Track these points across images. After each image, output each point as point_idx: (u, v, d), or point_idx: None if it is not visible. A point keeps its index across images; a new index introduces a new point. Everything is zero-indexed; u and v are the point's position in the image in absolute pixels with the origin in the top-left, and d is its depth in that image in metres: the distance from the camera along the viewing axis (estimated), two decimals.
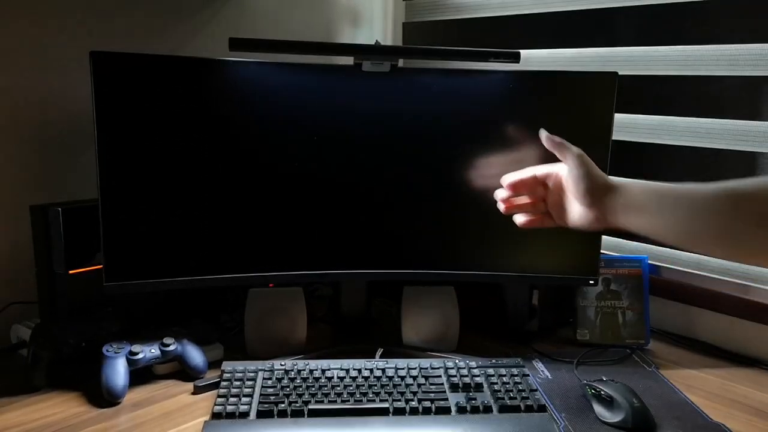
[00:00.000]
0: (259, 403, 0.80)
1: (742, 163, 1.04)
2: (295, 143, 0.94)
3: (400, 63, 0.95)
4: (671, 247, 1.14)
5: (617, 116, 1.09)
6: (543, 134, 0.82)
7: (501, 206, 0.84)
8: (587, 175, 0.77)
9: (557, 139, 0.81)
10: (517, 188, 0.83)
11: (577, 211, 0.79)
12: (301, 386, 0.83)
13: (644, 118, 1.13)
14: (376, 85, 0.95)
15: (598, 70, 1.12)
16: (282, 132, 0.93)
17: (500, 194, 0.84)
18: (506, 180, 0.83)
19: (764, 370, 1.00)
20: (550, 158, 0.82)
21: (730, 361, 1.03)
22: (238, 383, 0.84)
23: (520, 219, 0.84)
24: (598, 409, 0.83)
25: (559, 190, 0.81)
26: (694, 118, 1.08)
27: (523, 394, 0.83)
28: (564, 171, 0.80)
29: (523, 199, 0.84)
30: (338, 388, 0.83)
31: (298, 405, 0.79)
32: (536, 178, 0.82)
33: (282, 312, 1.00)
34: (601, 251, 1.02)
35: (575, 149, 0.79)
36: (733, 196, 0.67)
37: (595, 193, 0.76)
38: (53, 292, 0.95)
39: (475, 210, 0.98)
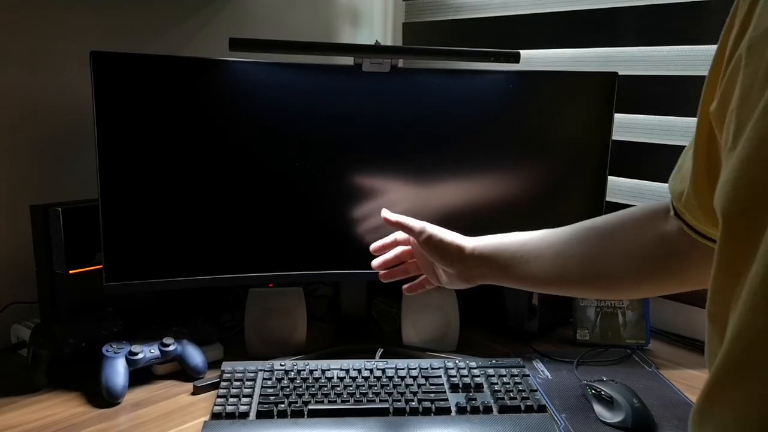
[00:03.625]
0: (259, 403, 0.79)
1: None
2: (295, 143, 0.94)
3: (400, 63, 0.95)
4: None
5: (617, 116, 1.09)
6: (383, 214, 0.82)
7: (380, 274, 0.85)
8: (434, 249, 0.76)
9: (394, 217, 0.80)
10: (381, 252, 0.84)
11: (443, 274, 0.79)
12: (300, 386, 0.83)
13: (644, 118, 1.13)
14: (376, 85, 0.95)
15: (598, 70, 1.12)
16: (282, 132, 0.93)
17: (375, 262, 0.85)
18: (372, 247, 0.84)
19: None
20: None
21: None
22: (237, 383, 0.84)
23: (407, 289, 0.86)
24: (599, 409, 0.83)
25: (421, 254, 0.81)
26: (694, 118, 1.07)
27: (524, 395, 0.83)
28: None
29: (397, 269, 0.85)
30: (338, 389, 0.83)
31: (297, 405, 0.79)
32: (398, 242, 0.83)
33: (282, 312, 1.00)
34: None
35: (417, 225, 0.78)
36: (595, 230, 0.69)
37: (451, 260, 0.76)
38: (53, 292, 0.95)
39: (476, 209, 0.98)
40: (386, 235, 0.86)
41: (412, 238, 0.82)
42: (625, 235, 0.68)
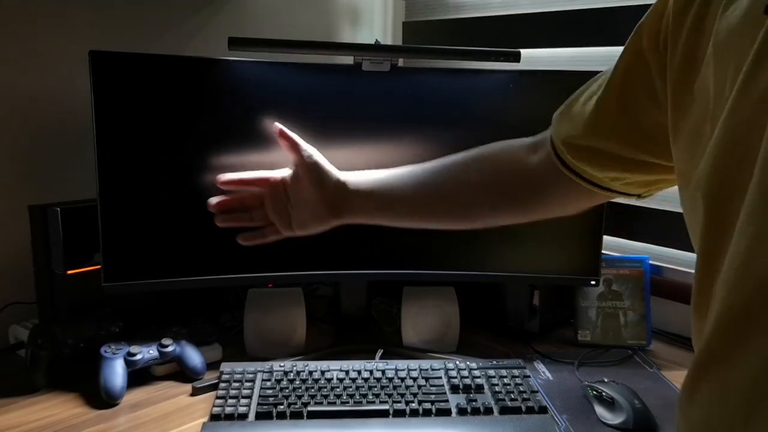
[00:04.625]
0: (258, 404, 0.79)
1: None
2: None
3: (400, 62, 0.95)
4: (670, 246, 1.14)
5: None
6: (277, 127, 0.81)
7: (217, 217, 0.81)
8: (315, 173, 0.77)
9: (293, 137, 0.80)
10: (232, 186, 0.80)
11: (307, 211, 0.78)
12: (300, 387, 0.83)
13: None
14: (376, 85, 0.94)
15: (599, 70, 1.11)
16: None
17: (213, 200, 0.81)
18: (222, 178, 0.80)
19: None
20: None
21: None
22: (236, 384, 0.83)
23: (243, 238, 0.82)
24: (600, 410, 0.83)
25: (280, 195, 0.79)
26: None
27: (524, 396, 0.82)
28: (286, 173, 0.79)
29: (240, 214, 0.81)
30: (338, 390, 0.82)
31: (297, 406, 0.79)
32: (250, 181, 0.80)
33: (282, 312, 0.99)
34: (603, 251, 1.02)
35: (305, 145, 0.79)
36: (454, 164, 0.74)
37: (328, 187, 0.77)
38: (52, 292, 0.95)
39: None
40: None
41: (272, 177, 0.80)
42: (481, 169, 0.74)
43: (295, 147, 0.80)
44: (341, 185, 0.78)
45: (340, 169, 0.80)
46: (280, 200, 0.80)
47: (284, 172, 0.81)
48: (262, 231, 0.82)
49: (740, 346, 0.41)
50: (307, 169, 0.78)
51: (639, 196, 0.67)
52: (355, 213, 0.77)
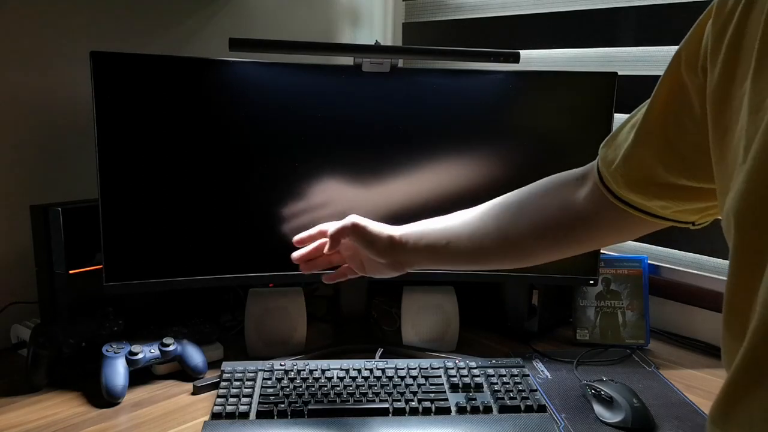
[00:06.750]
0: (259, 403, 0.80)
1: None
2: (295, 143, 0.94)
3: (400, 63, 0.95)
4: (668, 246, 1.14)
5: (617, 116, 1.09)
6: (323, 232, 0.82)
7: (300, 266, 0.83)
8: (365, 239, 0.77)
9: (329, 231, 0.79)
10: (304, 243, 0.82)
11: (373, 264, 0.80)
12: (300, 386, 0.83)
13: None
14: (376, 85, 0.95)
15: (598, 70, 1.12)
16: (281, 132, 0.93)
17: (295, 255, 0.83)
18: (296, 239, 0.83)
19: None
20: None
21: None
22: (237, 383, 0.84)
23: (326, 278, 0.85)
24: (598, 409, 0.83)
25: (352, 246, 0.81)
26: None
27: (523, 394, 0.83)
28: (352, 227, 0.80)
29: (319, 260, 0.83)
30: (338, 389, 0.83)
31: (297, 405, 0.79)
32: (324, 234, 0.82)
33: (282, 312, 1.00)
34: (601, 251, 1.02)
35: (345, 221, 0.78)
36: (506, 205, 0.75)
37: (382, 249, 0.77)
38: (53, 292, 0.95)
39: None
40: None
41: (343, 228, 0.80)
42: (533, 206, 0.73)
43: (341, 231, 0.79)
44: (397, 245, 0.78)
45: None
46: (353, 250, 0.82)
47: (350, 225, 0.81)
48: (342, 271, 0.84)
49: None
50: (359, 239, 0.78)
51: (693, 224, 0.66)
52: (417, 265, 0.79)
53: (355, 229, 0.77)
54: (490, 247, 0.75)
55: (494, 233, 0.74)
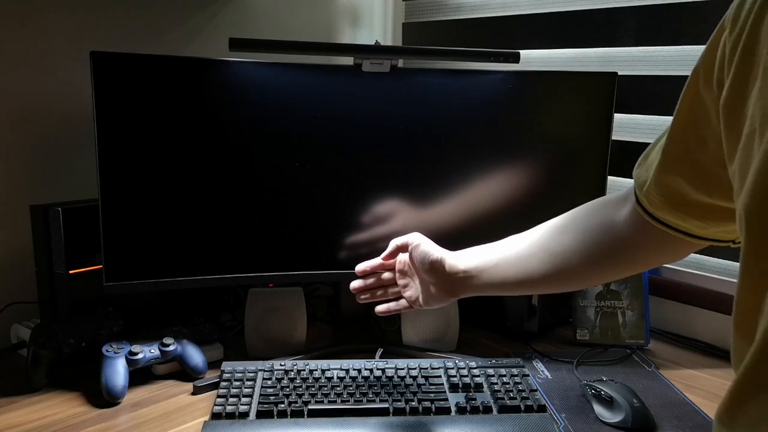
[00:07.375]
0: (259, 403, 0.80)
1: None
2: (295, 143, 0.94)
3: (400, 63, 0.95)
4: None
5: (617, 116, 1.09)
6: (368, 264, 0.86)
7: (358, 296, 0.87)
8: (422, 260, 0.80)
9: (388, 250, 0.84)
10: (366, 274, 0.86)
11: (428, 291, 0.82)
12: (300, 386, 0.83)
13: (644, 118, 1.13)
14: (376, 85, 0.95)
15: (598, 70, 1.12)
16: (282, 132, 0.93)
17: (354, 284, 0.86)
18: (358, 269, 0.86)
19: None
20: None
21: (730, 361, 1.03)
22: (237, 383, 0.84)
23: (380, 308, 0.86)
24: (598, 409, 0.83)
25: (407, 275, 0.84)
26: None
27: (523, 394, 0.83)
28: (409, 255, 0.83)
29: (378, 292, 0.87)
30: (338, 389, 0.83)
31: (297, 405, 0.79)
32: (384, 266, 0.86)
33: (282, 312, 1.00)
34: None
35: (407, 238, 0.82)
36: (552, 229, 0.76)
37: (437, 272, 0.80)
38: (53, 292, 0.95)
39: (475, 209, 0.98)
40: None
41: (402, 259, 0.84)
42: (577, 229, 0.74)
43: (402, 248, 0.83)
44: (447, 266, 0.80)
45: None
46: (409, 279, 0.84)
47: (407, 257, 0.84)
48: (396, 302, 0.86)
49: None
50: (418, 260, 0.81)
51: (733, 242, 0.65)
52: (470, 292, 0.80)
53: (419, 253, 0.80)
54: (534, 272, 0.76)
55: (539, 258, 0.75)
